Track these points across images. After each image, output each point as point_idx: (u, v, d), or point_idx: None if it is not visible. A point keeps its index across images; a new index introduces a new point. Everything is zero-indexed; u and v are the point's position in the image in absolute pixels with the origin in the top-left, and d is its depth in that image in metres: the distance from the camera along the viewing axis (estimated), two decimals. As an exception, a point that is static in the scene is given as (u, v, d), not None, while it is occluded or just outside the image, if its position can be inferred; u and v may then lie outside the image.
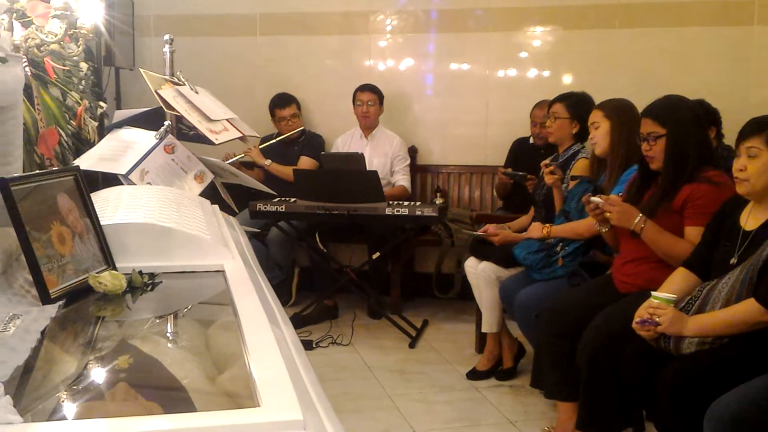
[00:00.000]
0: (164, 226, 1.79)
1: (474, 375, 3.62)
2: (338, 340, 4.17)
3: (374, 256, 4.34)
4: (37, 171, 2.02)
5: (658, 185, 2.67)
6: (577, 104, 3.52)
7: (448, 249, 4.48)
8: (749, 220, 2.33)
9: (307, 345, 4.01)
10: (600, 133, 3.11)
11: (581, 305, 2.76)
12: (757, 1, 4.54)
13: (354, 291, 4.48)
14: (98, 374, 1.29)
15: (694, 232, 2.55)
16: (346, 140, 5.00)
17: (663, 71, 4.65)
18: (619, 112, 3.10)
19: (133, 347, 1.41)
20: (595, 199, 2.72)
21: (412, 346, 4.10)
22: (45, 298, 1.46)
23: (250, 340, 1.26)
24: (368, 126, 4.92)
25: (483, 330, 3.65)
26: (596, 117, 3.15)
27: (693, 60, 4.65)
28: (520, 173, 4.00)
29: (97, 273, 1.59)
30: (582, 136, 3.52)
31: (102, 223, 1.73)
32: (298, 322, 4.33)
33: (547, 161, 3.47)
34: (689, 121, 2.63)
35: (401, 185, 4.83)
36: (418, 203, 4.13)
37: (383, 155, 4.88)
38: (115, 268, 1.67)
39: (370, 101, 4.85)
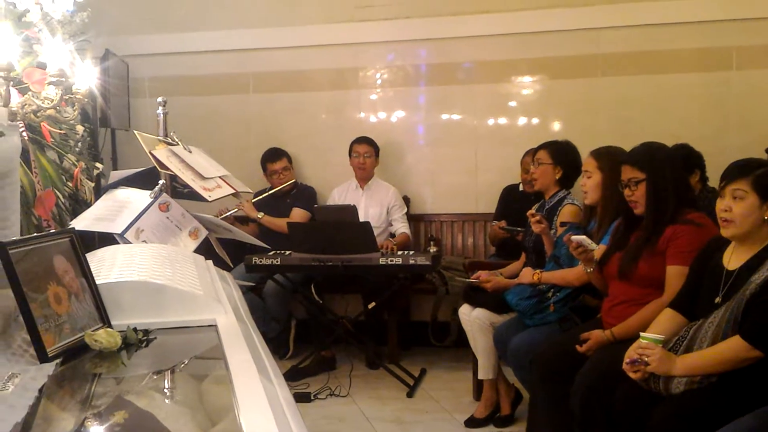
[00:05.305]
0: (158, 284, 1.83)
1: (472, 423, 3.62)
2: (336, 391, 4.17)
3: (370, 306, 4.37)
4: (35, 234, 2.06)
5: (642, 229, 2.73)
6: (560, 151, 3.63)
7: (443, 297, 4.51)
8: (732, 260, 2.38)
9: (306, 397, 4.01)
10: (591, 183, 3.15)
11: (573, 350, 2.79)
12: (735, 48, 4.66)
13: (351, 342, 4.50)
14: (95, 430, 1.31)
15: (674, 272, 2.61)
16: (342, 191, 5.06)
17: (644, 117, 4.74)
18: (612, 164, 3.05)
19: (128, 402, 1.43)
20: (577, 237, 2.77)
21: (410, 395, 4.10)
22: (42, 357, 1.49)
23: (241, 395, 1.28)
24: (364, 177, 4.99)
25: (479, 377, 3.66)
26: (589, 166, 3.18)
27: (673, 106, 4.74)
28: (518, 229, 4.01)
29: (92, 331, 1.63)
30: (565, 181, 3.61)
31: (97, 282, 1.77)
32: (296, 374, 4.35)
33: (533, 210, 3.53)
34: (666, 165, 2.72)
35: (403, 233, 4.87)
36: (411, 252, 4.18)
37: (379, 205, 4.94)
38: (110, 326, 1.70)
39: (366, 153, 4.93)
